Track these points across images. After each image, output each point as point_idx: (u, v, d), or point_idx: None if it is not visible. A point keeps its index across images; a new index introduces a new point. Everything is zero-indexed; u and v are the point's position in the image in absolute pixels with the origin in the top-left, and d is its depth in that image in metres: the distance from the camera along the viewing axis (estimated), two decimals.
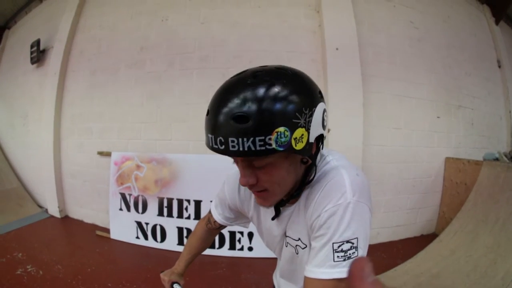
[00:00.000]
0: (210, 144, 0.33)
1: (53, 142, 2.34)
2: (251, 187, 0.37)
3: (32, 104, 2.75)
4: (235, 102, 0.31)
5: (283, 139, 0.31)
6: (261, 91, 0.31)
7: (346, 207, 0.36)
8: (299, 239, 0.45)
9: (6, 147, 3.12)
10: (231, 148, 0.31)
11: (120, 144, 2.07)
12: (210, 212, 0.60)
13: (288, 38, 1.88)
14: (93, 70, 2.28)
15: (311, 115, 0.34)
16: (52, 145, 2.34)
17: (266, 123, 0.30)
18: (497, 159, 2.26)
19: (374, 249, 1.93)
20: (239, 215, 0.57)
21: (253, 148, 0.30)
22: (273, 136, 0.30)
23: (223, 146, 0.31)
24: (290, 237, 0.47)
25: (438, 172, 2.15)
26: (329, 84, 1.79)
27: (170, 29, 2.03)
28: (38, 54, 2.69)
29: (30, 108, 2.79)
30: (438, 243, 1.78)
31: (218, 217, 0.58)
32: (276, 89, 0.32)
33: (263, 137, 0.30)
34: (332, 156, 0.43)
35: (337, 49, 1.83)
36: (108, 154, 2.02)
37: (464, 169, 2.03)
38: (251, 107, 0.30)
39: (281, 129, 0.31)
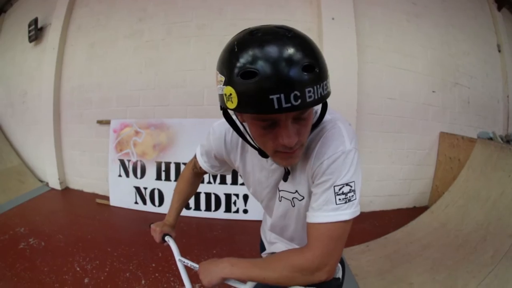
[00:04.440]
0: (276, 106, 0.29)
1: (53, 115, 2.37)
2: (289, 148, 0.35)
3: (30, 81, 2.76)
4: (297, 54, 0.30)
5: (329, 81, 0.33)
6: (308, 41, 0.32)
7: (347, 154, 0.38)
8: (296, 191, 0.46)
9: (5, 126, 3.14)
10: (308, 100, 0.30)
11: (119, 112, 2.11)
12: (195, 157, 0.60)
13: (284, 7, 1.89)
14: (91, 43, 2.29)
15: None
16: (52, 118, 2.37)
17: (325, 68, 0.32)
18: (491, 139, 2.28)
19: (366, 217, 1.98)
20: (224, 164, 0.57)
21: (323, 93, 0.31)
22: (328, 79, 0.33)
23: (298, 101, 0.29)
24: (285, 191, 0.48)
25: (432, 145, 2.18)
26: (324, 52, 1.78)
27: None
28: (36, 32, 2.68)
29: (28, 86, 2.80)
30: (430, 215, 1.81)
31: (204, 164, 0.58)
32: (311, 39, 0.33)
33: (326, 81, 0.32)
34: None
35: (333, 19, 1.84)
36: (107, 123, 2.05)
37: (458, 144, 2.05)
38: (313, 54, 0.31)
39: (328, 72, 0.33)
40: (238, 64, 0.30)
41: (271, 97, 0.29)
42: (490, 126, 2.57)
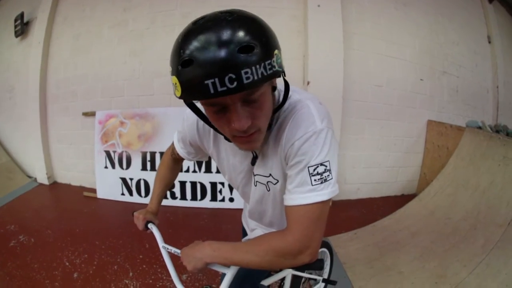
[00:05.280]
0: (212, 91, 0.29)
1: (39, 109, 2.34)
2: (244, 132, 0.35)
3: (17, 76, 2.72)
4: (233, 36, 0.29)
5: (279, 60, 0.32)
6: (251, 21, 0.32)
7: (318, 133, 0.37)
8: (270, 174, 0.45)
9: None
10: (245, 81, 0.29)
11: (104, 103, 2.09)
12: (173, 143, 0.61)
13: None
14: (76, 35, 2.26)
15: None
16: (39, 112, 2.34)
17: (269, 47, 0.31)
18: (480, 128, 2.29)
19: (354, 204, 1.98)
20: (199, 150, 0.57)
21: (265, 73, 0.30)
22: (274, 58, 0.32)
23: (234, 83, 0.29)
24: (259, 175, 0.47)
25: (420, 133, 2.19)
26: (310, 39, 1.81)
27: None
28: (22, 27, 2.64)
29: (16, 81, 2.76)
30: (418, 202, 1.81)
31: (180, 151, 0.59)
32: (257, 18, 0.33)
33: (269, 61, 0.31)
34: (291, 91, 0.43)
35: (318, 6, 1.83)
36: (92, 114, 2.03)
37: (446, 133, 2.05)
38: (252, 35, 0.30)
39: (276, 51, 0.32)
40: (179, 54, 0.31)
41: (206, 82, 0.29)
42: (479, 116, 2.58)
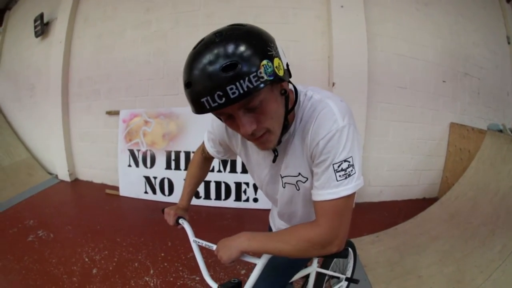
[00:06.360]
0: (208, 106, 0.34)
1: (61, 107, 2.39)
2: (252, 135, 0.39)
3: (38, 75, 2.78)
4: (217, 58, 0.33)
5: (269, 70, 0.35)
6: (235, 40, 0.35)
7: (341, 131, 0.40)
8: (299, 173, 0.47)
9: (13, 121, 3.17)
10: (232, 96, 0.33)
11: (128, 102, 2.12)
12: (203, 142, 0.64)
13: None
14: (98, 35, 2.30)
15: (276, 47, 0.38)
16: (61, 110, 2.39)
17: (253, 60, 0.34)
18: (501, 131, 2.24)
19: (376, 207, 1.97)
20: (228, 149, 0.60)
21: (251, 86, 0.33)
22: (262, 69, 0.34)
23: (223, 99, 0.33)
24: (288, 176, 0.49)
25: (443, 136, 2.15)
26: (334, 40, 1.80)
27: None
28: (42, 27, 2.70)
29: (36, 80, 2.83)
30: (439, 206, 1.79)
31: (210, 149, 0.62)
32: (245, 34, 0.36)
33: (255, 73, 0.34)
34: (312, 91, 0.45)
35: (342, 6, 1.82)
36: (116, 113, 2.06)
37: (468, 136, 2.02)
38: (235, 53, 0.33)
39: (265, 61, 0.35)
40: (183, 77, 0.37)
41: (201, 100, 0.34)
42: (499, 119, 2.53)
